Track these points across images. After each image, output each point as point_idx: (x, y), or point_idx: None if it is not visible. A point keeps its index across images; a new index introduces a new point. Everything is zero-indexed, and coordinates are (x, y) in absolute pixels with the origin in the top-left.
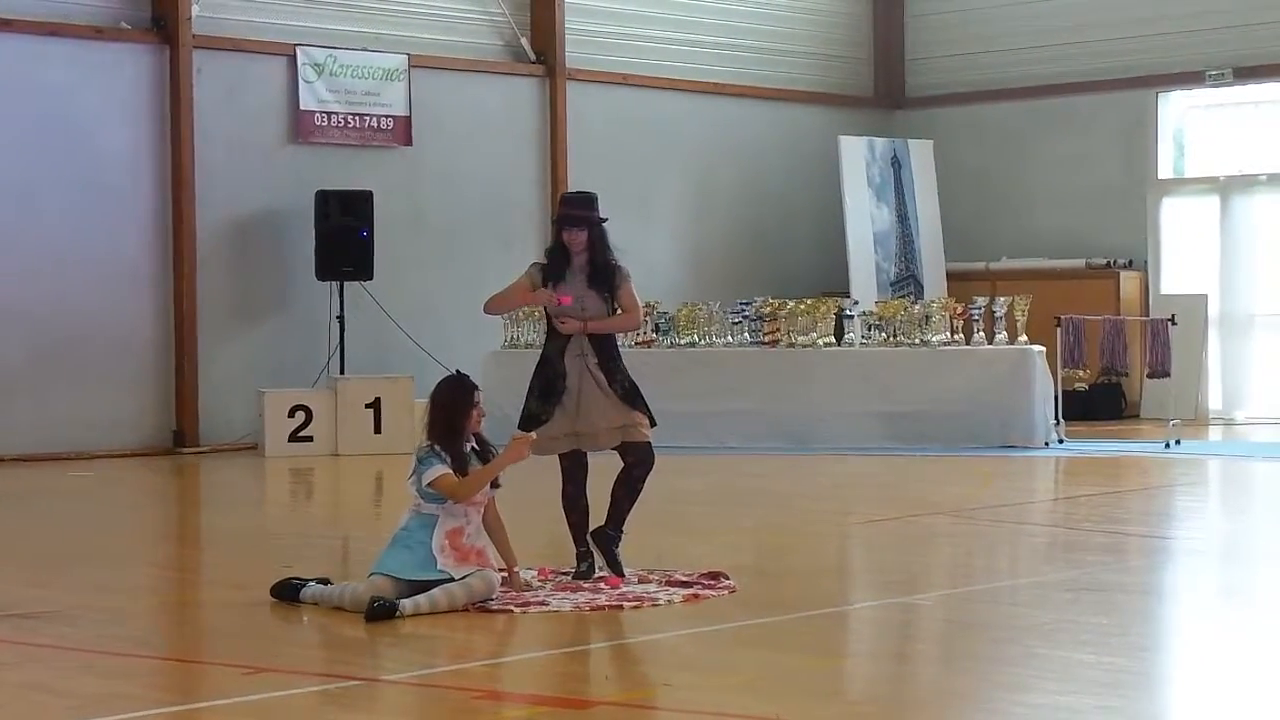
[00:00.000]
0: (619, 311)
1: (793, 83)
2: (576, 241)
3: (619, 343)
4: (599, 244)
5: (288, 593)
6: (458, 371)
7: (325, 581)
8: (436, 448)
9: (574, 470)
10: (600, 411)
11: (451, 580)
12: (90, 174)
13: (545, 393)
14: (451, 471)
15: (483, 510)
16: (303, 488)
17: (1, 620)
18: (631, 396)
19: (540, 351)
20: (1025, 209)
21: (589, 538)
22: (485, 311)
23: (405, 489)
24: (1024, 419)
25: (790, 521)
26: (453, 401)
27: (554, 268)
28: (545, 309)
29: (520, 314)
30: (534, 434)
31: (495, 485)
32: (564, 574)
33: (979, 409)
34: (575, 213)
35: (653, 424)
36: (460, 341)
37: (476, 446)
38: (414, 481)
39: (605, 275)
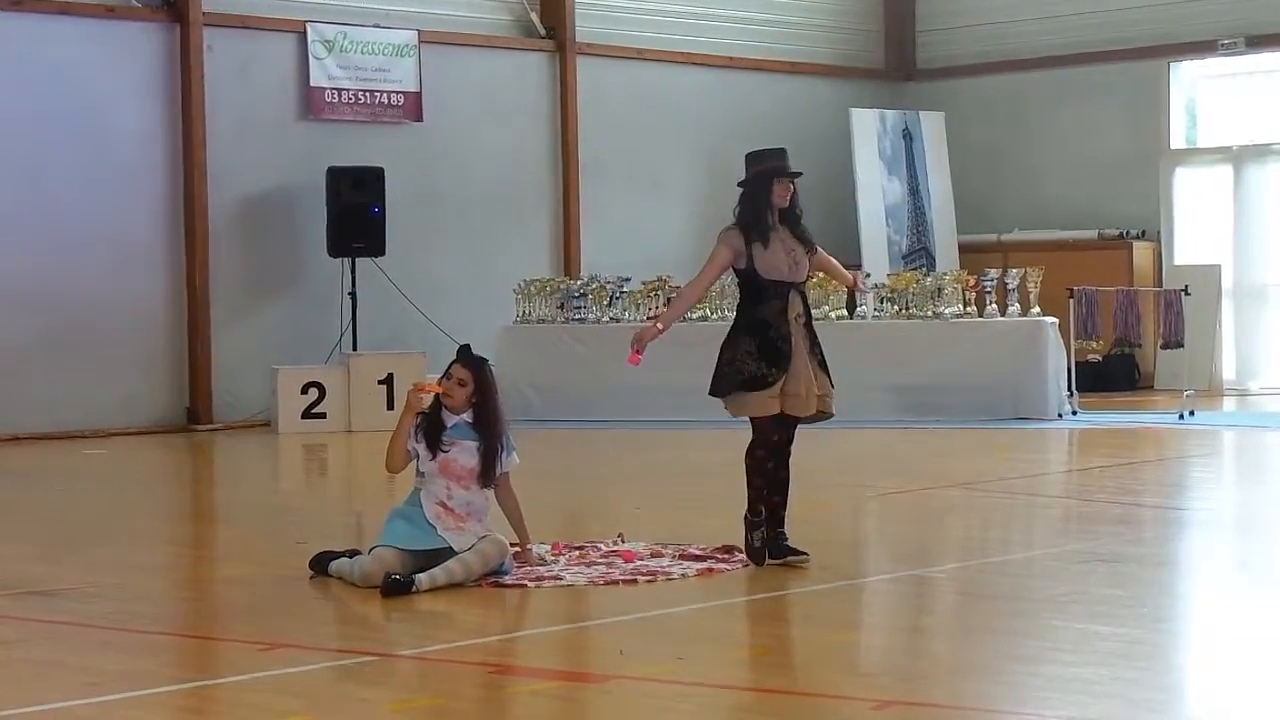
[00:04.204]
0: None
1: (804, 56)
2: (787, 195)
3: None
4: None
5: (322, 565)
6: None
7: (355, 553)
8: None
9: (782, 442)
10: (808, 376)
11: (451, 549)
12: (102, 153)
13: (772, 356)
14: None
15: (476, 485)
16: (316, 464)
17: (19, 598)
18: (825, 365)
19: (735, 319)
20: (1037, 180)
21: (771, 559)
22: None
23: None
24: (1037, 391)
25: (804, 494)
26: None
27: (758, 227)
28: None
29: (532, 289)
30: (432, 381)
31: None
32: (577, 548)
33: (992, 381)
34: (787, 163)
35: None
36: (472, 316)
37: (470, 420)
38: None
39: (804, 230)
